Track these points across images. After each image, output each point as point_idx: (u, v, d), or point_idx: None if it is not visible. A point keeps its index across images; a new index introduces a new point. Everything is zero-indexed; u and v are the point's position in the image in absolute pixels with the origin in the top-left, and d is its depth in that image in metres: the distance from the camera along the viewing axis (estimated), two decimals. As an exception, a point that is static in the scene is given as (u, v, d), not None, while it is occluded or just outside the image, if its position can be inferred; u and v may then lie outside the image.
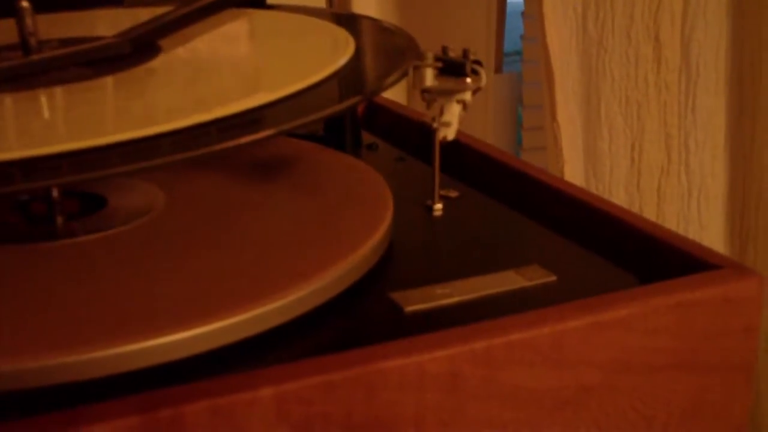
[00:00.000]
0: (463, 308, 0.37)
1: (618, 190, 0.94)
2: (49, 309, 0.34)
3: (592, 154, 0.93)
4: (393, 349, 0.30)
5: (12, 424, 0.26)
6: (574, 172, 0.89)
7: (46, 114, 0.39)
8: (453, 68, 0.45)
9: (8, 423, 0.26)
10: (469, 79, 0.44)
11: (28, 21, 0.42)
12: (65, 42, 0.45)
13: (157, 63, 0.44)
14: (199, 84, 0.42)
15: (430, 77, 0.45)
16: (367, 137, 0.59)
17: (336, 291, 0.36)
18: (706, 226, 0.99)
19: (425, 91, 0.45)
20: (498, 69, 1.05)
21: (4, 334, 0.32)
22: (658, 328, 0.35)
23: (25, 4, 0.42)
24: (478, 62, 0.45)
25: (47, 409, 0.27)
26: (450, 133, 0.45)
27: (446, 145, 0.46)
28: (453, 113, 0.45)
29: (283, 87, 0.37)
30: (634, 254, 0.41)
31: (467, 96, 0.45)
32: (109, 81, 0.41)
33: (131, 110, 0.38)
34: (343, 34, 0.48)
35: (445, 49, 0.46)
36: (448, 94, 0.45)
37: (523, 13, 1.05)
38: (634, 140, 0.93)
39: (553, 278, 0.39)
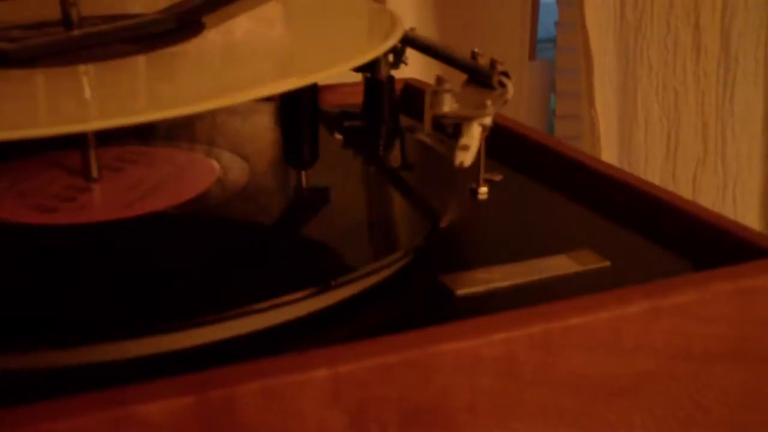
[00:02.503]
0: (514, 292, 0.36)
1: (653, 179, 0.92)
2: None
3: (627, 143, 0.91)
4: (450, 332, 0.30)
5: (62, 400, 0.26)
6: (609, 161, 0.87)
7: (86, 92, 0.38)
8: (480, 77, 0.43)
9: (59, 399, 0.26)
10: (489, 102, 0.41)
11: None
12: (107, 19, 0.44)
13: (199, 41, 0.43)
14: (237, 65, 0.41)
15: (448, 102, 0.42)
16: (405, 120, 0.58)
17: (385, 274, 0.35)
18: (741, 219, 0.98)
19: (442, 116, 0.42)
20: (531, 56, 1.04)
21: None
22: (717, 315, 0.34)
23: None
24: (505, 74, 0.43)
25: (97, 387, 0.26)
26: (467, 159, 0.40)
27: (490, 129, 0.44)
28: (473, 136, 0.41)
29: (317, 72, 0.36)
30: (688, 240, 0.40)
31: (488, 121, 0.41)
32: (149, 58, 0.41)
33: (164, 91, 0.38)
34: (388, 16, 0.46)
35: (474, 54, 0.44)
36: (468, 120, 0.41)
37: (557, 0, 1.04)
38: (670, 129, 0.91)
39: (607, 263, 0.38)
